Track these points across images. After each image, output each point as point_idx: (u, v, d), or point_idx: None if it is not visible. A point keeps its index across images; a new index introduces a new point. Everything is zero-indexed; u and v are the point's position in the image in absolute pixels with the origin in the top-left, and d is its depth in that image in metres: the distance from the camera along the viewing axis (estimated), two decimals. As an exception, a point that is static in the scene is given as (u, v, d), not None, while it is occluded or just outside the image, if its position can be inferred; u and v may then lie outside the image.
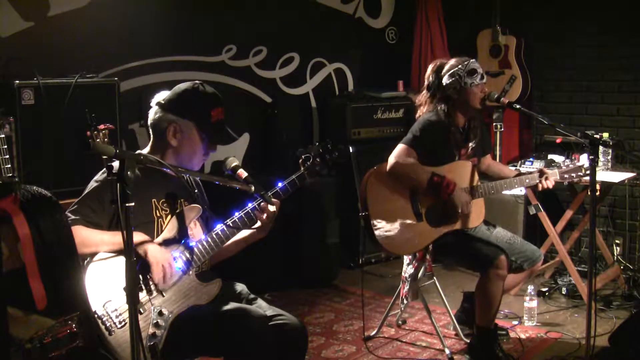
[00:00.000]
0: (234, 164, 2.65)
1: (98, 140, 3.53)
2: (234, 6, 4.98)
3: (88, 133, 3.53)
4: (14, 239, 2.01)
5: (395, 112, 5.48)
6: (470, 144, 3.66)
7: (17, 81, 3.57)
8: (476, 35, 5.50)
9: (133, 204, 1.98)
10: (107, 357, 2.33)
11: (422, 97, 3.67)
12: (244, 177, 2.60)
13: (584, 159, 3.68)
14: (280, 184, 2.68)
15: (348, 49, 5.77)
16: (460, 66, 3.53)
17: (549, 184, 3.61)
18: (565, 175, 3.65)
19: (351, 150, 5.23)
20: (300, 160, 2.73)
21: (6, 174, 3.21)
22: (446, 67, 3.58)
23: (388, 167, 3.52)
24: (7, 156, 3.26)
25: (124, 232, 1.97)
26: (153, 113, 2.67)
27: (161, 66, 4.55)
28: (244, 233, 2.72)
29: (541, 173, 3.63)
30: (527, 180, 3.65)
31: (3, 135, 3.29)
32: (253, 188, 2.55)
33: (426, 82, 3.65)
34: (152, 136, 2.69)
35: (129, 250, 1.98)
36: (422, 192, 3.55)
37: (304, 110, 5.51)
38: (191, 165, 2.67)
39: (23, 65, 3.70)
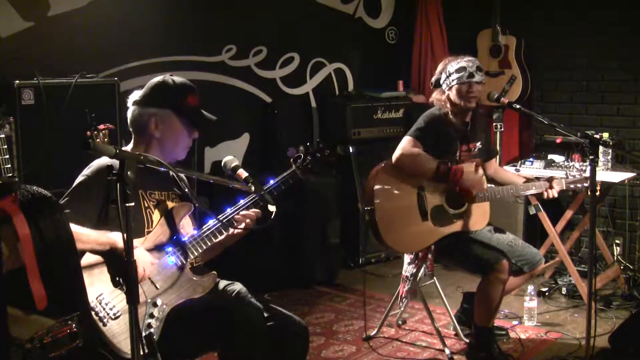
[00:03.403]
0: (233, 164, 2.66)
1: (98, 140, 3.53)
2: (234, 6, 4.97)
3: (88, 133, 3.53)
4: (14, 239, 2.00)
5: (395, 112, 5.47)
6: (478, 144, 3.66)
7: (17, 81, 3.57)
8: (476, 35, 5.50)
9: (133, 204, 1.98)
10: (108, 357, 2.33)
11: (433, 94, 3.70)
12: (244, 177, 2.61)
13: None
14: (272, 181, 2.70)
15: (348, 49, 5.76)
16: (453, 63, 3.55)
17: (554, 193, 3.60)
18: (572, 186, 3.64)
19: (351, 150, 5.24)
20: (292, 159, 2.77)
21: (6, 174, 3.21)
22: (442, 65, 3.63)
23: (394, 159, 3.51)
24: (7, 156, 3.26)
25: (124, 232, 1.97)
26: (131, 112, 2.69)
27: (161, 66, 4.54)
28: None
29: (549, 181, 3.61)
30: (533, 188, 3.64)
31: (3, 135, 3.29)
32: (253, 188, 2.56)
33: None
34: (133, 134, 2.70)
35: (129, 250, 1.98)
36: (429, 189, 3.55)
37: (304, 111, 5.50)
38: (175, 154, 2.67)
39: (23, 65, 3.69)
